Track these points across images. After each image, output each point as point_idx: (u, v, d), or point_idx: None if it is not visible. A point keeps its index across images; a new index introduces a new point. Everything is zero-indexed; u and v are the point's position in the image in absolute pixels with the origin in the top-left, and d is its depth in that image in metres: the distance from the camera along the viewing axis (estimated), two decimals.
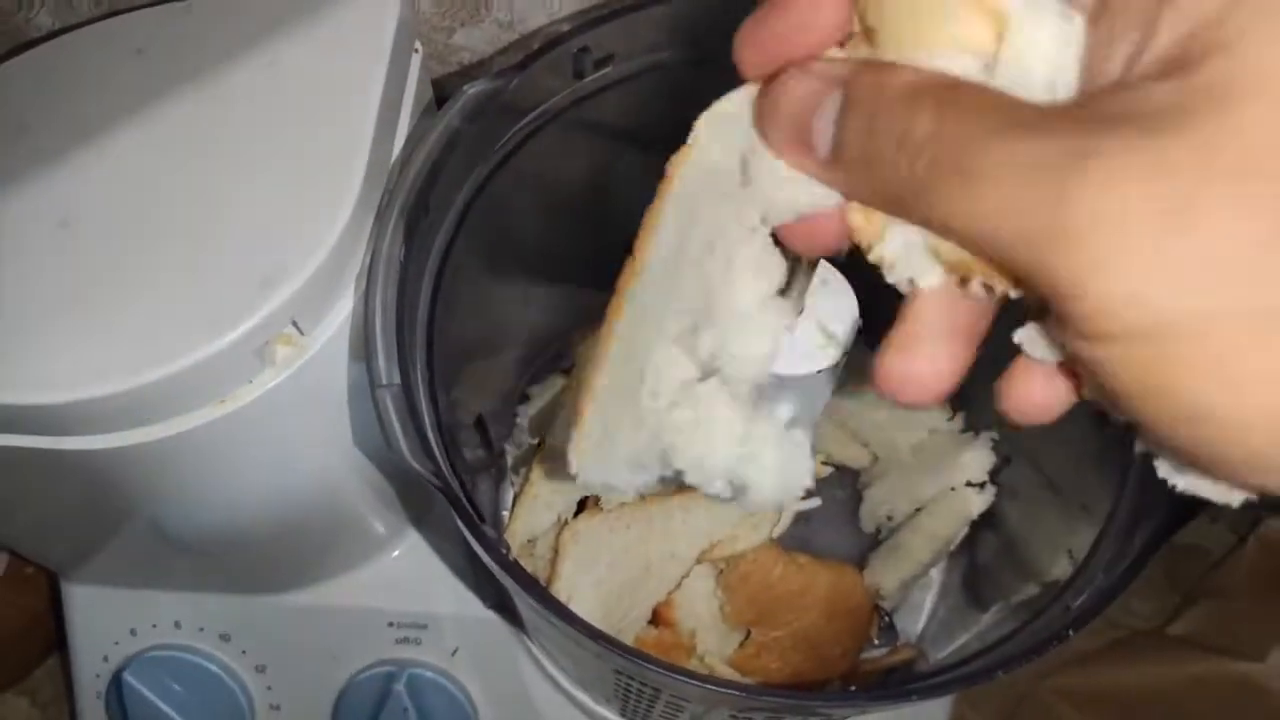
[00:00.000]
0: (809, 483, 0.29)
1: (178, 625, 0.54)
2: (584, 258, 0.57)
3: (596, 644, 0.32)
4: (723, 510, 0.47)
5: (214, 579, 0.53)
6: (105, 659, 0.55)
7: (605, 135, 0.47)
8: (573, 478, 0.31)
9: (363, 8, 0.44)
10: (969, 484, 0.51)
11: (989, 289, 0.22)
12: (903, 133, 0.21)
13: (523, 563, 0.46)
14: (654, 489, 0.31)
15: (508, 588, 0.34)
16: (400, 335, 0.36)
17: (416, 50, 0.46)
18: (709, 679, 0.33)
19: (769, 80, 0.25)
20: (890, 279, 0.23)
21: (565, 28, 0.42)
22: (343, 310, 0.40)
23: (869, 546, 0.55)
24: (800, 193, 0.25)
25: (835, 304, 0.41)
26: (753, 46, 0.25)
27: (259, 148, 0.40)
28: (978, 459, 0.51)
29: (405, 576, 0.54)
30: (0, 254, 0.39)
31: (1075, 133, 0.19)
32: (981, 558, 0.53)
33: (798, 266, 0.33)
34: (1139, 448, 0.22)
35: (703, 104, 0.27)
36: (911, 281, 0.23)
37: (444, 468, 0.35)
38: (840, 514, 0.56)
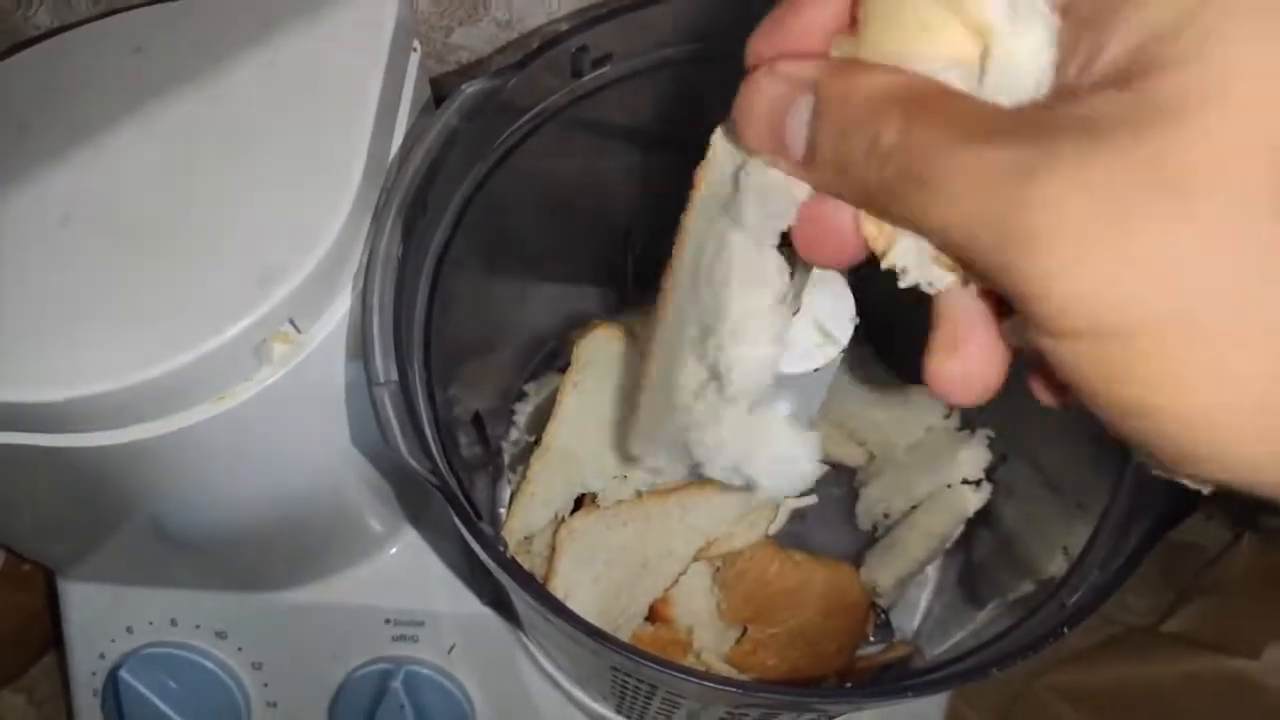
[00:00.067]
0: (813, 478, 0.29)
1: (174, 622, 0.54)
2: (581, 256, 0.57)
3: (593, 641, 0.33)
4: (720, 508, 0.48)
5: (211, 576, 0.53)
6: (102, 656, 0.55)
7: (603, 134, 0.48)
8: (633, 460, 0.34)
9: (361, 7, 0.44)
10: (965, 481, 0.51)
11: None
12: (871, 140, 0.22)
13: (520, 560, 0.46)
14: (696, 475, 0.32)
15: (505, 585, 0.34)
16: (398, 333, 0.36)
17: (415, 49, 0.46)
18: (705, 675, 0.33)
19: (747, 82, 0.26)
20: (904, 284, 0.24)
21: (563, 27, 0.42)
22: (340, 308, 0.40)
23: (865, 544, 0.55)
24: (775, 204, 0.26)
25: (833, 302, 0.41)
26: (767, 49, 0.26)
27: (257, 146, 0.40)
28: (974, 456, 0.51)
29: (402, 574, 0.54)
30: (0, 252, 0.39)
31: (1030, 140, 0.19)
32: (977, 555, 0.53)
33: (795, 264, 0.33)
34: None
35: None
36: (930, 285, 0.24)
37: (441, 465, 0.35)
38: (837, 511, 0.56)
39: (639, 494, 0.48)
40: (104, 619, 0.55)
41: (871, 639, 0.54)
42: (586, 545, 0.47)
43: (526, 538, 0.49)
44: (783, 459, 0.29)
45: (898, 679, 0.50)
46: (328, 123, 0.41)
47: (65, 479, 0.40)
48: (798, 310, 0.37)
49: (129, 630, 0.54)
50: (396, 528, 0.54)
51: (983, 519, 0.52)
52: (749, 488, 0.30)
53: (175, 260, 0.38)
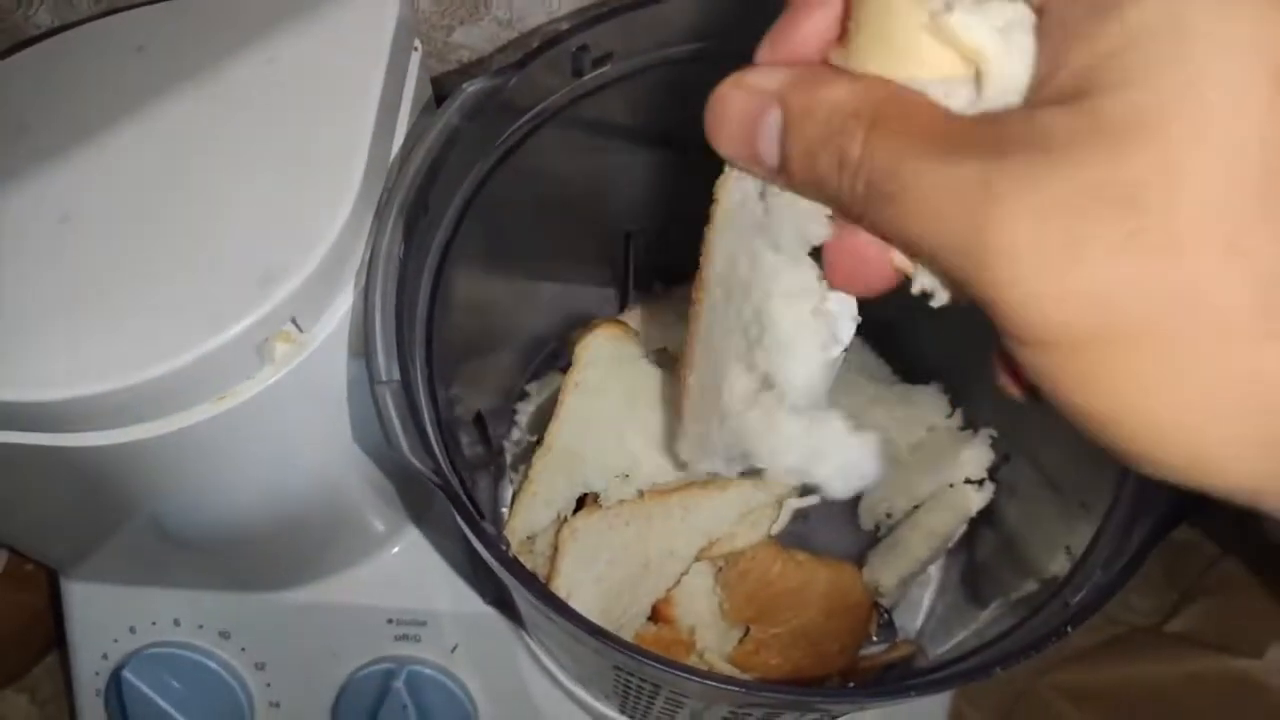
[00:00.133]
0: (876, 473, 0.30)
1: (177, 622, 0.54)
2: (583, 255, 0.57)
3: (596, 640, 0.33)
4: (722, 508, 0.47)
5: (213, 576, 0.53)
6: (105, 656, 0.55)
7: (604, 133, 0.48)
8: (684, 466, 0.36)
9: (362, 6, 0.44)
10: (968, 481, 0.51)
11: None
12: (839, 155, 0.23)
13: (522, 560, 0.46)
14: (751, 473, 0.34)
15: (507, 584, 0.34)
16: (400, 332, 0.36)
17: (416, 48, 0.46)
18: (709, 674, 0.33)
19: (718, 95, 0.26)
20: (936, 304, 0.24)
21: (564, 26, 0.42)
22: (342, 307, 0.40)
23: (868, 544, 0.55)
24: (810, 225, 0.26)
25: (835, 302, 0.41)
26: (770, 59, 0.26)
27: (258, 145, 0.40)
28: (977, 456, 0.51)
29: (405, 573, 0.54)
30: (1, 250, 0.39)
31: (989, 156, 0.20)
32: (980, 555, 0.53)
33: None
34: None
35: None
36: (957, 301, 0.24)
37: (443, 464, 0.35)
38: (839, 511, 0.56)
39: (641, 494, 0.48)
40: (107, 619, 0.55)
41: (874, 639, 0.54)
42: (589, 545, 0.47)
43: (529, 537, 0.49)
44: (846, 460, 0.30)
45: (900, 679, 0.50)
46: (329, 122, 0.41)
47: (67, 479, 0.40)
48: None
49: (132, 630, 0.54)
50: (399, 527, 0.54)
51: (985, 518, 0.52)
52: (812, 488, 0.31)
53: (176, 259, 0.38)
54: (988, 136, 0.21)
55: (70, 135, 0.41)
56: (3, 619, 0.63)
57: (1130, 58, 0.19)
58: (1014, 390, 0.25)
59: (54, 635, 0.65)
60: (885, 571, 0.52)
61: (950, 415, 0.54)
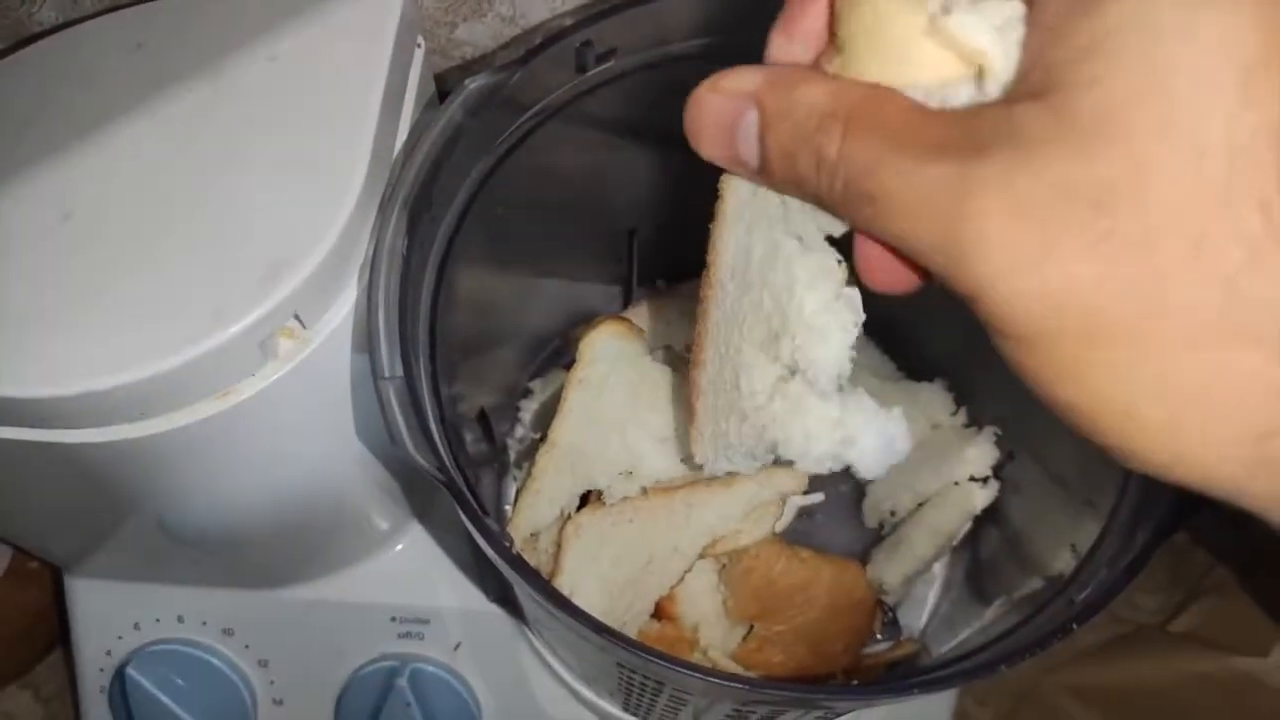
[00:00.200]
0: (909, 446, 0.31)
1: (181, 619, 0.54)
2: (586, 252, 0.57)
3: (600, 637, 0.32)
4: (726, 505, 0.47)
5: (217, 573, 0.53)
6: (108, 653, 0.55)
7: (608, 130, 0.47)
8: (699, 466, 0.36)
9: (365, 3, 0.44)
10: (972, 479, 0.51)
11: None
12: (817, 155, 0.23)
13: (526, 557, 0.46)
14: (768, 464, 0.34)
15: (511, 581, 0.34)
16: (403, 328, 0.36)
17: (419, 45, 0.46)
18: (713, 672, 0.33)
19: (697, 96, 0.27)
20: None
21: (568, 22, 0.42)
22: (345, 303, 0.40)
23: (872, 542, 0.54)
24: (825, 219, 0.27)
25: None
26: (786, 43, 0.27)
27: (262, 141, 0.40)
28: (981, 454, 0.51)
29: (408, 571, 0.54)
30: (3, 247, 0.39)
31: (964, 154, 0.20)
32: (985, 552, 0.53)
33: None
34: None
35: None
36: None
37: (447, 461, 0.35)
38: (843, 509, 0.56)
39: (645, 491, 0.48)
40: (111, 616, 0.55)
41: (878, 636, 0.54)
42: (592, 542, 0.46)
43: (532, 535, 0.49)
44: (880, 438, 0.30)
45: (904, 677, 0.50)
46: (332, 118, 0.41)
47: (70, 475, 0.40)
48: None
49: (136, 627, 0.54)
50: (402, 524, 0.54)
51: (990, 516, 0.51)
52: (845, 469, 0.31)
53: (179, 256, 0.38)
54: (964, 134, 0.21)
55: (72, 132, 0.41)
56: (7, 616, 0.64)
57: (1101, 54, 0.19)
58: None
59: (58, 632, 0.65)
60: (889, 569, 0.52)
61: (955, 413, 0.54)
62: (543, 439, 0.49)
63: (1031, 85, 0.20)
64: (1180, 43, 0.18)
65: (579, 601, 0.38)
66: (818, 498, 0.50)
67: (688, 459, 0.48)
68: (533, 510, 0.48)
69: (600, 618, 0.33)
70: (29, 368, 0.36)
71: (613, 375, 0.49)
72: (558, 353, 0.59)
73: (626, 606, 0.46)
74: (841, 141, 0.22)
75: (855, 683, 0.51)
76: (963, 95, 0.23)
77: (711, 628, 0.49)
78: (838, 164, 0.22)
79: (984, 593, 0.51)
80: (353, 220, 0.38)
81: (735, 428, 0.33)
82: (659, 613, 0.48)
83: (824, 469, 0.31)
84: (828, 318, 0.29)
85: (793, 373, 0.30)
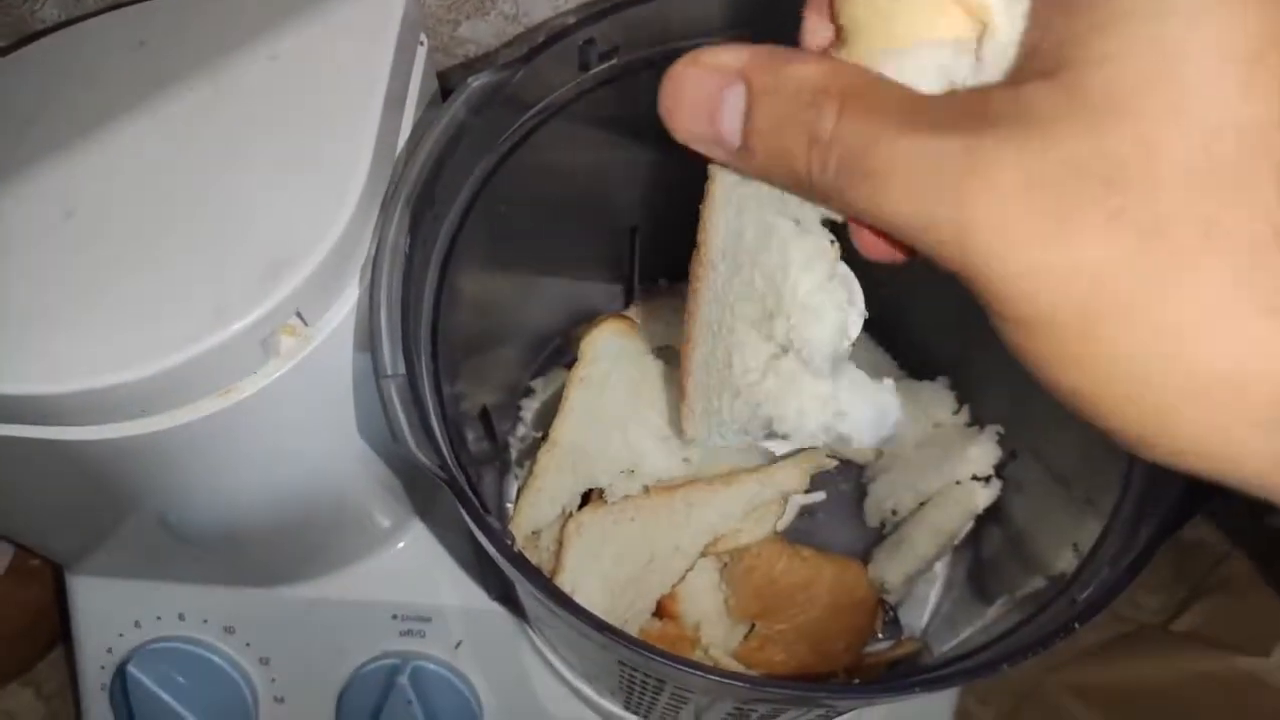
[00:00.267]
0: (902, 417, 0.31)
1: (182, 617, 0.54)
2: (588, 251, 0.57)
3: (602, 635, 0.32)
4: (727, 504, 0.47)
5: (218, 571, 0.53)
6: (109, 651, 0.55)
7: (610, 128, 0.47)
8: (692, 442, 0.36)
9: (367, 1, 0.44)
10: (974, 478, 0.51)
11: None
12: (810, 131, 0.22)
13: (527, 555, 0.46)
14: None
15: (512, 579, 0.34)
16: (405, 326, 0.36)
17: (422, 43, 0.46)
18: (714, 670, 0.33)
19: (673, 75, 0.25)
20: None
21: (571, 20, 0.42)
22: (348, 301, 0.40)
23: (873, 541, 0.54)
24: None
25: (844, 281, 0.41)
26: (810, 39, 0.27)
27: (264, 139, 0.40)
28: (983, 453, 0.51)
29: (409, 569, 0.54)
30: (5, 245, 0.39)
31: (969, 131, 0.20)
32: (986, 551, 0.53)
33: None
34: None
35: None
36: None
37: (448, 459, 0.35)
38: (845, 508, 0.56)
39: (646, 489, 0.48)
40: (112, 614, 0.55)
41: (880, 636, 0.54)
42: (594, 540, 0.47)
43: (534, 533, 0.49)
44: (873, 410, 0.31)
45: (906, 676, 0.50)
46: (334, 116, 0.41)
47: (72, 472, 0.40)
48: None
49: (137, 625, 0.54)
50: (404, 522, 0.54)
51: (992, 515, 0.51)
52: (839, 443, 0.31)
53: (181, 253, 0.38)
54: (968, 113, 0.20)
55: (75, 130, 0.41)
56: (8, 614, 0.64)
57: (1112, 32, 0.19)
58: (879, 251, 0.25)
59: (59, 630, 0.65)
60: (891, 568, 0.52)
61: (957, 411, 0.54)
62: (544, 437, 0.49)
63: (1040, 63, 0.20)
64: (1188, 22, 0.18)
65: (580, 600, 0.38)
66: (819, 496, 0.50)
67: (689, 457, 0.48)
68: (534, 508, 0.48)
69: (601, 616, 0.33)
70: (31, 365, 0.36)
71: (614, 374, 0.49)
72: (559, 351, 0.59)
73: (628, 605, 0.46)
74: (837, 118, 0.22)
75: (856, 681, 0.51)
76: (962, 68, 0.22)
77: (713, 626, 0.49)
78: (832, 141, 0.22)
79: (986, 592, 0.51)
80: (355, 218, 0.38)
81: (728, 404, 0.33)
82: (660, 611, 0.48)
83: (817, 442, 0.32)
84: (822, 298, 0.29)
85: (786, 351, 0.31)
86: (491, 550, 0.33)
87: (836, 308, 0.30)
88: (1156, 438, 0.20)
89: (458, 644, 0.54)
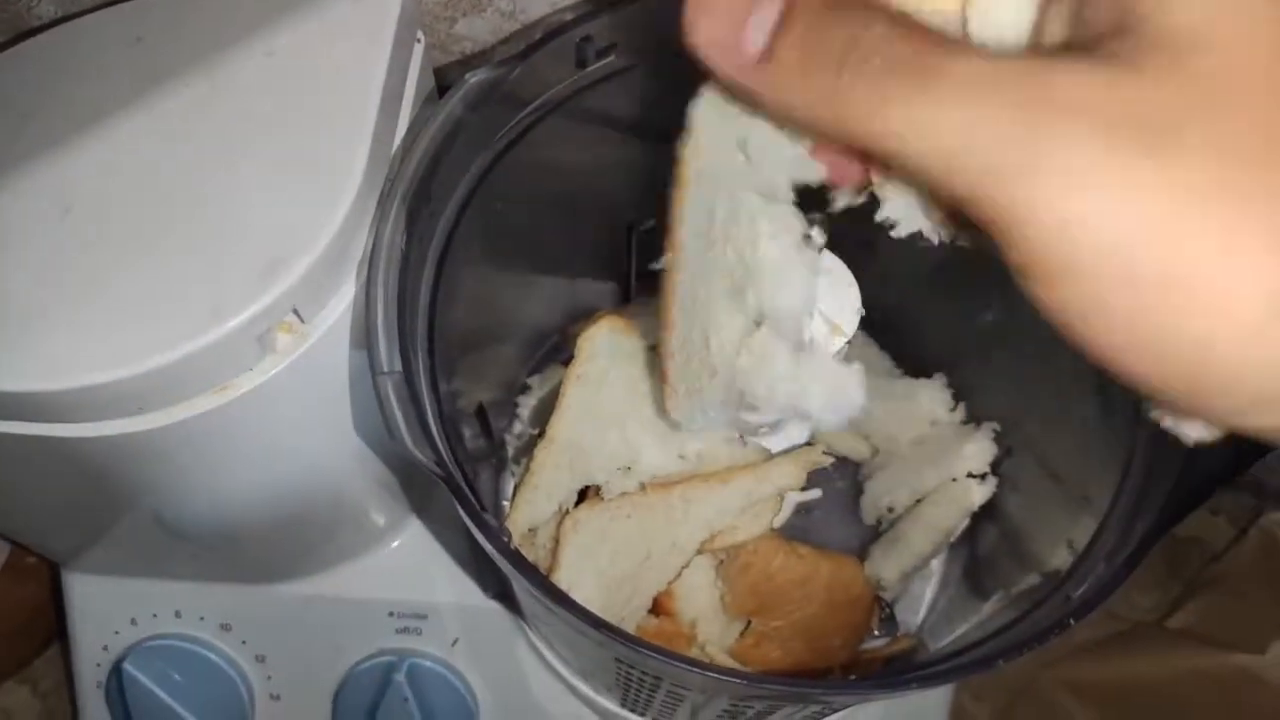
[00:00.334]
0: (863, 401, 0.32)
1: (178, 615, 0.54)
2: (585, 248, 0.57)
3: (598, 631, 0.32)
4: (724, 501, 0.47)
5: (215, 568, 0.53)
6: (105, 648, 0.55)
7: (607, 125, 0.47)
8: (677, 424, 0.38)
9: None
10: (970, 475, 0.51)
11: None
12: (854, 35, 0.20)
13: (523, 552, 0.46)
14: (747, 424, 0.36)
15: (509, 576, 0.34)
16: (401, 323, 0.36)
17: (418, 40, 0.46)
18: (710, 666, 0.33)
19: None
20: (896, 234, 0.25)
21: (568, 17, 0.42)
22: (344, 298, 0.40)
23: (869, 538, 0.55)
24: (798, 170, 0.27)
25: (838, 294, 0.41)
26: None
27: (260, 136, 0.40)
28: (979, 450, 0.51)
29: (406, 566, 0.54)
30: (2, 241, 0.38)
31: (1038, 65, 0.19)
32: (982, 549, 0.53)
33: (816, 221, 0.35)
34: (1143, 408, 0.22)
35: None
36: (922, 235, 0.25)
37: (445, 456, 0.35)
38: (841, 505, 0.56)
39: (643, 486, 0.48)
40: (108, 611, 0.55)
41: (876, 633, 0.54)
42: (590, 538, 0.46)
43: (530, 530, 0.49)
44: (835, 390, 0.32)
45: (901, 672, 0.50)
46: (331, 113, 0.41)
47: (68, 469, 0.40)
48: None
49: (133, 622, 0.54)
50: (400, 520, 0.54)
51: (987, 513, 0.51)
52: (805, 421, 0.33)
53: (178, 250, 0.38)
54: (1028, 55, 0.20)
55: (72, 126, 0.41)
56: (4, 611, 0.64)
57: None
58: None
59: (55, 627, 0.65)
60: (887, 565, 0.52)
61: (953, 409, 0.54)
62: (541, 434, 0.49)
63: (1096, 15, 0.19)
64: None
65: (577, 597, 0.38)
66: (816, 494, 0.50)
67: (686, 454, 0.48)
68: (531, 506, 0.48)
69: (598, 613, 0.33)
70: (27, 362, 0.36)
71: (611, 371, 0.49)
72: (556, 348, 0.59)
73: (624, 602, 0.46)
74: (890, 23, 0.20)
75: (853, 678, 0.51)
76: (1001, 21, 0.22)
77: (709, 623, 0.49)
78: (879, 43, 0.20)
79: (981, 589, 0.51)
80: (351, 215, 0.38)
81: (707, 384, 0.34)
82: (657, 608, 0.48)
83: (785, 416, 0.33)
84: (790, 265, 0.30)
85: (758, 324, 0.32)
86: (488, 547, 0.33)
87: (804, 275, 0.30)
88: (1227, 401, 0.19)
89: (454, 641, 0.54)
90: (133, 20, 0.45)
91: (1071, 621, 0.34)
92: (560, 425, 0.48)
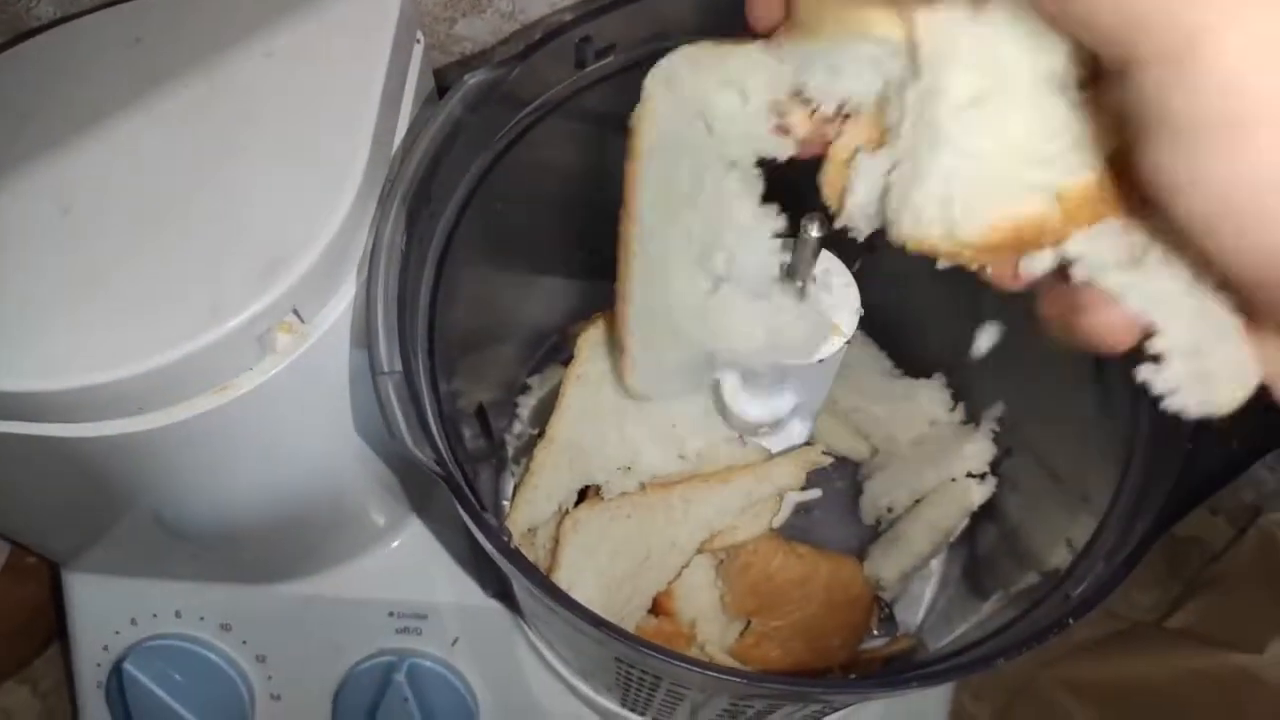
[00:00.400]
0: (831, 339, 0.34)
1: (178, 615, 0.54)
2: (585, 248, 0.57)
3: (598, 631, 0.33)
4: (724, 500, 0.47)
5: (214, 568, 0.53)
6: (106, 648, 0.55)
7: (606, 125, 0.47)
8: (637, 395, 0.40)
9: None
10: (969, 475, 0.51)
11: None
12: None
13: (524, 552, 0.46)
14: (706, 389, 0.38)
15: (509, 575, 0.34)
16: (401, 323, 0.36)
17: (418, 40, 0.46)
18: (710, 666, 0.33)
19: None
20: (854, 234, 0.27)
21: (567, 17, 0.42)
22: (344, 298, 0.40)
23: (869, 538, 0.55)
24: (760, 144, 0.29)
25: (837, 294, 0.41)
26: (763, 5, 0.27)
27: (261, 136, 0.40)
28: (978, 450, 0.51)
29: (406, 566, 0.54)
30: (2, 242, 0.39)
31: None
32: (981, 548, 0.53)
33: (798, 248, 0.35)
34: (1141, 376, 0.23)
35: None
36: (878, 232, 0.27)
37: (445, 456, 0.35)
38: (840, 505, 0.56)
39: (642, 486, 0.48)
40: (108, 611, 0.55)
41: (875, 632, 0.54)
42: (590, 537, 0.46)
43: (530, 530, 0.49)
44: (808, 325, 0.33)
45: (901, 672, 0.50)
46: (331, 114, 0.41)
47: (68, 469, 0.40)
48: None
49: (133, 622, 0.54)
50: (400, 520, 0.54)
51: (987, 512, 0.51)
52: (778, 363, 0.34)
53: (177, 250, 0.38)
54: None
55: (71, 126, 0.41)
56: (5, 612, 0.64)
57: None
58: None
59: (55, 627, 0.65)
60: (886, 565, 0.52)
61: (952, 409, 0.54)
62: (541, 434, 0.49)
63: None
64: None
65: (577, 596, 0.38)
66: (815, 494, 0.50)
67: (686, 454, 0.48)
68: (530, 505, 0.48)
69: (598, 612, 0.33)
70: (27, 361, 0.36)
71: (611, 371, 0.49)
72: (556, 348, 0.59)
73: (624, 601, 0.46)
74: None
75: (852, 677, 0.51)
76: (896, 68, 0.24)
77: (709, 623, 0.49)
78: None
79: (981, 588, 0.51)
80: (351, 215, 0.38)
81: (671, 352, 0.36)
82: (656, 608, 0.48)
83: (758, 363, 0.34)
84: (756, 224, 0.32)
85: (723, 282, 0.33)
86: (488, 547, 0.33)
87: (770, 231, 0.32)
88: None
89: (454, 641, 0.54)
90: (132, 21, 0.45)
91: (1071, 621, 0.34)
92: (560, 425, 0.48)
